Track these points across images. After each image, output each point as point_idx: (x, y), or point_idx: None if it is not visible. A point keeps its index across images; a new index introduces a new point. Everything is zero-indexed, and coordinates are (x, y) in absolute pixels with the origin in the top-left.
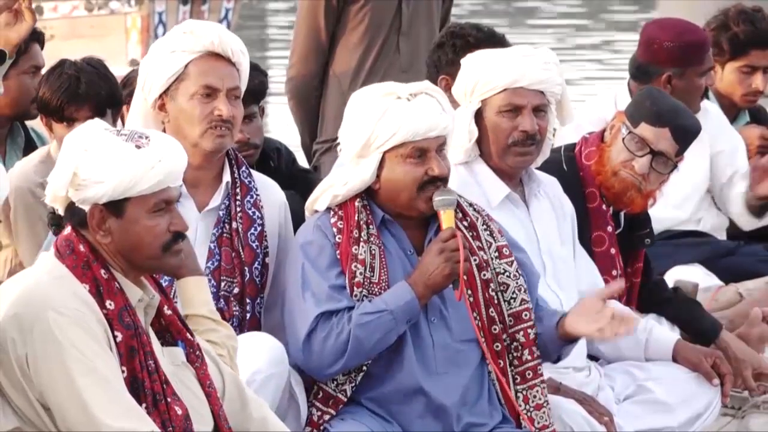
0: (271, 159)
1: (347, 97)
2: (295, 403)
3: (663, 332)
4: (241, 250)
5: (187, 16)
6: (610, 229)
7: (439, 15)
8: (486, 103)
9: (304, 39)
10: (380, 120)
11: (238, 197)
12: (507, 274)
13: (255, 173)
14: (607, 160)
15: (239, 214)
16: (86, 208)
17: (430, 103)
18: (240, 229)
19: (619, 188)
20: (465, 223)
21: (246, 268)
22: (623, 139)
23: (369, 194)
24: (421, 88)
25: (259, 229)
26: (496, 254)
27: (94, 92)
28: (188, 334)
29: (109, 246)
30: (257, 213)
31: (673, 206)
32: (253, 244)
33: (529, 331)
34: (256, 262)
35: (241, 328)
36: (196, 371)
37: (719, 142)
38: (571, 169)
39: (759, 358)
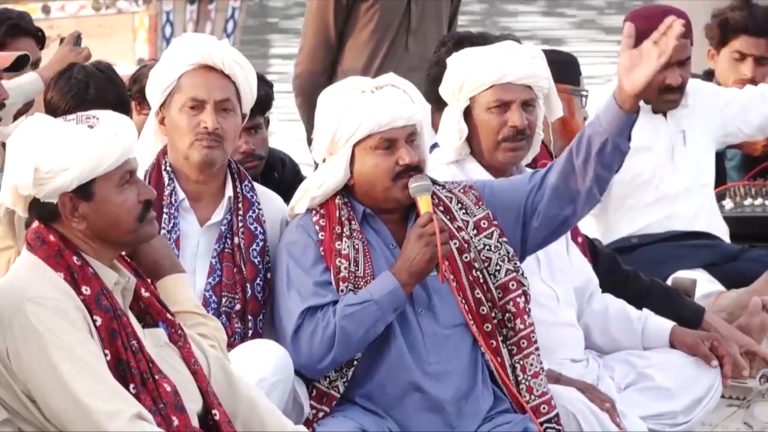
0: (276, 170)
1: None
2: (299, 405)
3: (658, 319)
4: (242, 266)
5: (194, 15)
6: None
7: (447, 14)
8: (474, 101)
9: (313, 36)
10: (344, 114)
11: (240, 212)
12: (488, 247)
13: (257, 186)
14: (577, 125)
15: (241, 230)
16: (54, 200)
17: (395, 94)
18: (242, 245)
19: None
20: (441, 208)
21: (248, 284)
22: (581, 99)
23: (348, 191)
24: (387, 81)
25: (261, 244)
26: (475, 231)
27: (102, 98)
28: (168, 315)
29: (85, 231)
30: (259, 228)
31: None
32: (255, 260)
33: (518, 300)
34: (258, 278)
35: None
36: (180, 350)
37: (714, 110)
38: None
39: (745, 337)
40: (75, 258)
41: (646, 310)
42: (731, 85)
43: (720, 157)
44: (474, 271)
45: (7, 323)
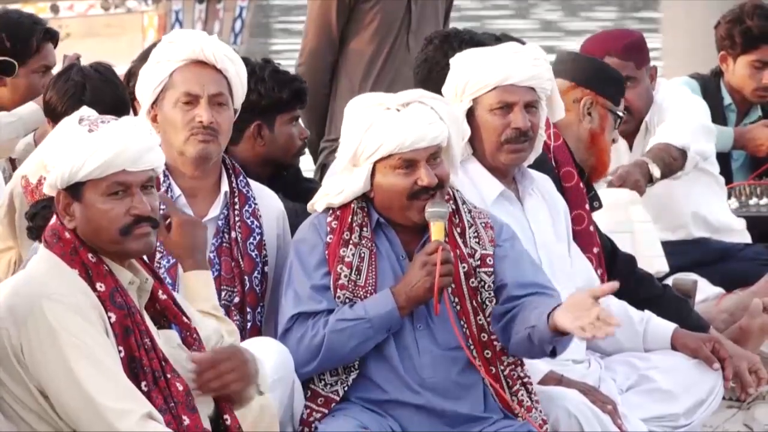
0: (285, 170)
1: (358, 95)
2: (292, 401)
3: (660, 321)
4: (240, 260)
5: (203, 14)
6: (587, 206)
7: (443, 13)
8: (477, 102)
9: (315, 36)
10: (367, 132)
11: (237, 207)
12: (483, 283)
13: (252, 183)
14: (606, 143)
15: (238, 224)
16: (54, 194)
17: (421, 113)
18: (239, 239)
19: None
20: (458, 229)
21: (246, 278)
22: (616, 120)
23: (368, 198)
24: (413, 98)
25: (258, 238)
26: (479, 262)
27: (99, 99)
28: (184, 318)
29: (76, 231)
30: (256, 222)
31: None
32: (253, 254)
33: (495, 343)
34: (256, 271)
35: (242, 337)
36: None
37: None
38: (540, 155)
39: (751, 355)
40: (90, 255)
41: (648, 312)
42: (750, 93)
43: (726, 157)
44: (479, 297)
45: (22, 320)
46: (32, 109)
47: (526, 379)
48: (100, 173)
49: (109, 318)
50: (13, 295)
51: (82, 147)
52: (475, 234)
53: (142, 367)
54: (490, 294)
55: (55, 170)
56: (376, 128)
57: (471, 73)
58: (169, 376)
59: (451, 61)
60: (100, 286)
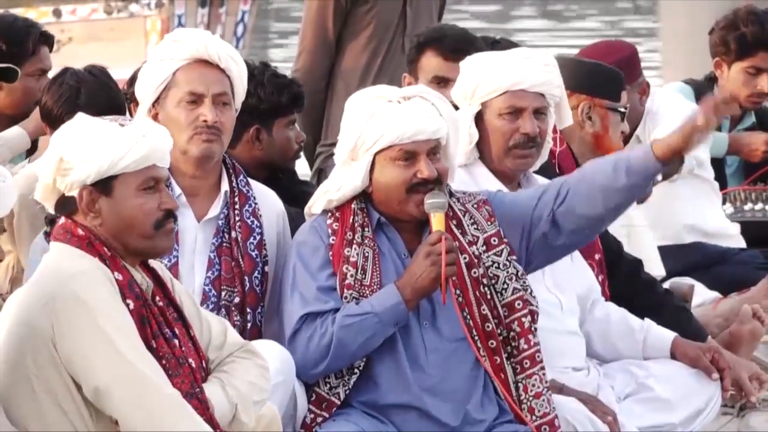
0: (281, 171)
1: None
2: (295, 405)
3: (660, 330)
4: (240, 260)
5: (206, 18)
6: None
7: (436, 14)
8: (486, 106)
9: (311, 40)
10: (368, 122)
11: (237, 206)
12: (496, 264)
13: (253, 182)
14: (611, 141)
15: (238, 224)
16: (75, 192)
17: (423, 106)
18: (239, 239)
19: None
20: (453, 222)
21: (246, 278)
22: (621, 117)
23: (366, 197)
24: (415, 92)
25: (258, 238)
26: (484, 247)
27: (94, 102)
28: (177, 329)
29: (101, 229)
30: (256, 222)
31: None
32: (253, 253)
33: (524, 319)
34: (256, 271)
35: (243, 338)
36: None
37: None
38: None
39: (750, 363)
40: (105, 249)
41: (647, 320)
42: (744, 99)
43: (720, 162)
44: (482, 287)
45: (51, 301)
46: (17, 132)
47: (537, 368)
48: (137, 166)
49: (128, 305)
50: (35, 288)
51: (121, 139)
52: (471, 220)
53: (160, 356)
54: (507, 272)
55: (86, 164)
56: (378, 119)
57: (482, 76)
58: (193, 363)
59: (462, 64)
60: (118, 276)
